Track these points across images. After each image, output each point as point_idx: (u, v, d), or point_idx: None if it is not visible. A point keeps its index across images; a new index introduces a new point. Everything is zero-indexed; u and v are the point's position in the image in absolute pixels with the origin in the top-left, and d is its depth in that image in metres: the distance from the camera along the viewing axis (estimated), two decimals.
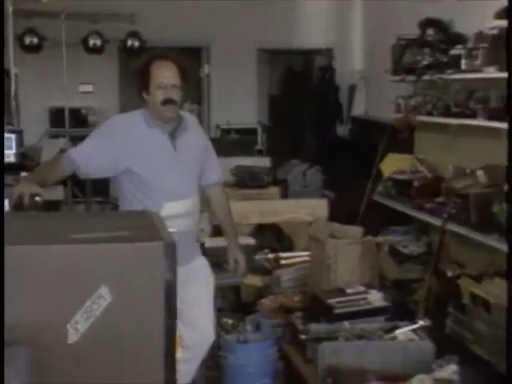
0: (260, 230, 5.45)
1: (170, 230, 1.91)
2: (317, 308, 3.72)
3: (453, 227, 4.67)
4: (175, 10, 7.49)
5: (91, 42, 7.37)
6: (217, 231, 3.58)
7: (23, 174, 3.79)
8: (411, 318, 3.63)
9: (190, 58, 7.81)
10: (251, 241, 4.87)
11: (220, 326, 3.69)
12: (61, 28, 7.07)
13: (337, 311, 3.55)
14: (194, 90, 8.15)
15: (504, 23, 4.50)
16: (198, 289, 3.12)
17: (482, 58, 4.70)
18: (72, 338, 1.66)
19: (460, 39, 5.15)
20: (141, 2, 7.39)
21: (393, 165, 6.04)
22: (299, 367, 3.51)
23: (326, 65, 8.57)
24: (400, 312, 3.91)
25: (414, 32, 5.65)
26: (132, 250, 1.71)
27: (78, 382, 1.67)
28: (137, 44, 7.45)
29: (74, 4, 7.09)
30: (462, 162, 5.19)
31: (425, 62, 5.42)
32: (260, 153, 7.51)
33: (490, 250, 4.55)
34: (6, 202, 2.71)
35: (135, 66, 7.72)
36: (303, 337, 3.52)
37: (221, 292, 4.17)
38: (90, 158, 2.97)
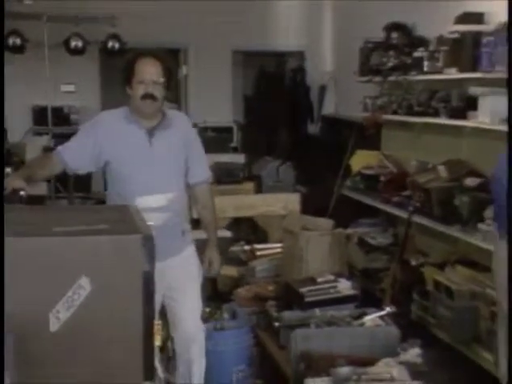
0: (236, 223, 5.44)
1: (149, 223, 1.90)
2: (289, 297, 3.72)
3: (417, 219, 4.71)
4: (154, 12, 7.46)
5: (73, 44, 7.28)
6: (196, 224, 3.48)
7: (7, 169, 3.75)
8: (378, 305, 3.66)
9: None
10: (228, 233, 4.86)
11: None
12: (43, 30, 6.99)
13: (308, 299, 3.56)
14: (172, 90, 8.09)
15: (463, 27, 4.55)
16: (186, 283, 3.08)
17: (443, 60, 4.74)
18: (54, 326, 1.65)
19: (422, 42, 5.19)
20: (121, 5, 7.32)
21: (361, 161, 6.07)
22: (273, 353, 3.52)
23: (298, 66, 8.57)
24: (368, 299, 3.93)
25: (379, 36, 5.68)
26: (111, 242, 1.70)
27: (60, 369, 1.66)
28: (117, 46, 7.38)
29: (56, 6, 7.01)
30: (425, 158, 5.23)
31: (390, 64, 5.46)
32: (235, 150, 7.50)
33: (452, 239, 4.61)
34: None
35: (116, 67, 7.68)
36: (277, 324, 3.52)
37: None
38: (75, 153, 2.96)
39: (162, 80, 2.92)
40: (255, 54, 8.63)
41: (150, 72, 2.90)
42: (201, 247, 3.28)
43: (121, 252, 1.69)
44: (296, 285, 3.73)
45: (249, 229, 5.63)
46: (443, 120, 4.78)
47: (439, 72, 4.79)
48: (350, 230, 5.33)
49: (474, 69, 4.34)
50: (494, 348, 3.53)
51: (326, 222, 4.61)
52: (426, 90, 5.17)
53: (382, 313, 3.36)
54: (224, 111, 8.15)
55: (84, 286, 1.66)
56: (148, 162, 2.95)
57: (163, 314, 3.07)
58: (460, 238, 4.39)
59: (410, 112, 5.27)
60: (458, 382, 2.71)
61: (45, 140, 7.13)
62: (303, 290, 3.62)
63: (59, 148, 3.03)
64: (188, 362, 3.12)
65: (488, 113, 4.20)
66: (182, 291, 3.09)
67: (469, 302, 4.11)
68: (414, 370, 2.75)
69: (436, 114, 4.88)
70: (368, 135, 5.99)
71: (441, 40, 4.81)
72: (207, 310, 3.68)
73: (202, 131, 7.45)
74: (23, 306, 1.64)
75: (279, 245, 4.66)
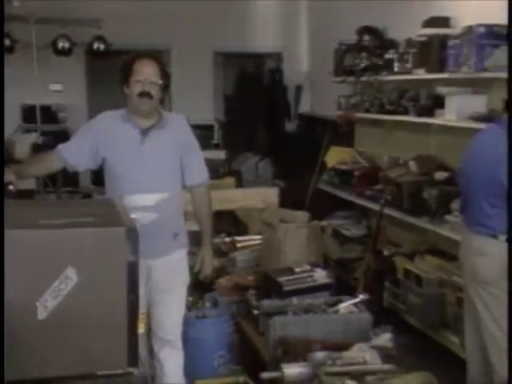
0: (218, 216, 5.41)
1: (133, 216, 1.88)
2: (268, 286, 3.72)
3: (389, 211, 4.73)
4: (138, 15, 7.41)
5: (60, 45, 7.21)
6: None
7: None
8: (352, 293, 3.66)
9: None
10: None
11: None
12: (31, 31, 6.91)
13: (286, 288, 3.55)
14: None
15: (430, 31, 4.58)
16: (170, 289, 3.01)
17: (412, 62, 4.76)
18: (42, 314, 1.65)
19: (393, 45, 5.21)
20: (106, 8, 7.29)
21: (336, 157, 6.09)
22: (253, 339, 3.51)
23: (276, 67, 8.57)
24: (342, 288, 3.94)
25: (352, 38, 5.69)
26: (96, 234, 1.69)
27: (47, 355, 1.65)
28: (102, 47, 7.35)
29: (44, 7, 6.94)
30: (396, 154, 5.26)
31: (362, 65, 5.48)
32: (217, 146, 7.48)
33: (421, 231, 4.64)
34: None
35: (102, 67, 7.61)
36: (256, 312, 3.52)
37: None
38: (74, 151, 2.94)
39: (159, 81, 2.87)
40: (235, 55, 8.60)
41: (147, 72, 2.85)
42: (193, 239, 3.22)
43: (106, 243, 1.68)
44: (274, 274, 3.72)
45: (230, 221, 5.62)
46: (412, 118, 4.80)
47: (408, 72, 4.82)
48: (325, 222, 5.33)
49: (441, 69, 4.37)
50: (460, 331, 3.56)
51: (302, 215, 4.61)
52: (396, 89, 5.20)
53: (356, 300, 3.36)
54: (205, 110, 8.13)
55: (71, 276, 1.65)
56: (139, 162, 2.88)
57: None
58: (429, 229, 4.43)
59: (382, 110, 5.29)
60: (426, 364, 2.73)
61: (33, 137, 7.07)
62: (281, 279, 3.62)
63: (60, 146, 3.00)
64: (161, 361, 3.07)
65: (454, 111, 4.23)
66: (165, 297, 3.02)
67: (437, 289, 4.14)
68: (385, 354, 2.76)
69: (406, 112, 4.90)
70: (342, 132, 6.01)
71: (410, 42, 4.84)
72: (190, 299, 3.66)
73: None
74: (12, 296, 1.63)
75: (258, 237, 4.65)
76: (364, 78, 5.47)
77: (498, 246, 2.99)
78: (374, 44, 5.45)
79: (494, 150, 3.03)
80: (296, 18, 8.14)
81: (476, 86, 4.26)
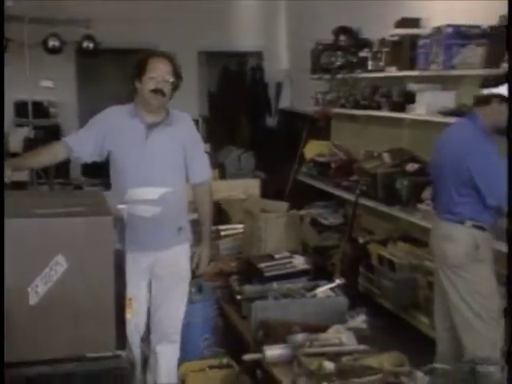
0: None
1: (120, 207, 1.86)
2: (250, 272, 3.71)
3: (364, 201, 4.75)
4: (126, 15, 7.36)
5: (50, 44, 7.14)
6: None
7: None
8: (329, 278, 3.67)
9: None
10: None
11: None
12: (23, 31, 6.82)
13: (267, 274, 3.55)
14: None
15: (402, 31, 4.59)
16: (172, 284, 2.93)
17: (385, 60, 4.78)
18: (33, 299, 1.64)
19: (367, 44, 5.22)
20: (96, 8, 7.22)
21: (314, 149, 6.09)
22: (236, 323, 3.51)
23: (257, 65, 8.56)
24: (320, 273, 3.95)
25: (329, 38, 5.69)
26: (85, 223, 1.68)
27: (39, 338, 1.64)
28: (91, 46, 7.29)
29: (35, 7, 6.85)
30: (371, 147, 5.27)
31: (338, 63, 5.48)
32: None
33: (394, 219, 4.66)
34: None
35: (91, 65, 7.52)
36: (239, 297, 3.51)
37: None
38: (80, 141, 2.86)
39: (171, 79, 2.82)
40: (218, 54, 8.57)
41: (162, 70, 2.80)
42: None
43: (94, 232, 1.67)
44: (256, 261, 3.72)
45: (214, 211, 5.59)
46: (385, 113, 4.82)
47: (381, 70, 4.83)
48: (304, 212, 5.34)
49: (411, 67, 4.39)
50: (431, 313, 3.59)
51: (282, 205, 4.61)
52: (369, 86, 5.21)
53: (333, 285, 3.36)
54: (191, 106, 8.05)
55: (61, 262, 1.64)
56: (143, 156, 2.81)
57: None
58: (401, 217, 4.45)
59: (356, 106, 5.30)
60: (399, 344, 2.75)
61: (26, 131, 7.04)
62: (262, 265, 3.62)
63: (66, 137, 2.95)
64: (156, 354, 2.99)
65: (424, 106, 4.25)
66: (166, 293, 2.94)
67: (409, 273, 4.17)
68: (360, 335, 2.77)
69: (379, 107, 4.92)
70: (319, 127, 6.02)
71: (383, 42, 4.85)
72: None
73: None
74: (5, 282, 1.61)
75: (241, 226, 4.65)
76: (340, 76, 5.48)
77: (465, 232, 3.01)
78: (349, 43, 5.45)
79: (462, 143, 3.04)
80: (275, 18, 8.14)
81: (445, 82, 4.28)
